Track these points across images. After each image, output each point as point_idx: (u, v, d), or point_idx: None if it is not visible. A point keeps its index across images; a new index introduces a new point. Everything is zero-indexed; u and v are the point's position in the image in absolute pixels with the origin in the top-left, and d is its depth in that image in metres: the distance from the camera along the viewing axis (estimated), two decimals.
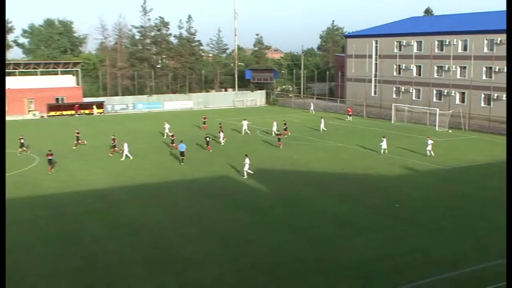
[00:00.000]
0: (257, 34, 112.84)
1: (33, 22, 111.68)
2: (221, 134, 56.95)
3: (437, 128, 66.33)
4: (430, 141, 49.92)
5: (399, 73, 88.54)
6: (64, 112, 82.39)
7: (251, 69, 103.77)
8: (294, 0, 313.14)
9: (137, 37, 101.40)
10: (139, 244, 27.47)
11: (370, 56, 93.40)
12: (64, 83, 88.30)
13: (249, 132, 63.01)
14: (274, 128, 62.13)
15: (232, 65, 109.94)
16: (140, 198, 35.96)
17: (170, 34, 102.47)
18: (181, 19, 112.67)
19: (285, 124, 63.56)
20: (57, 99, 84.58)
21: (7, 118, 78.87)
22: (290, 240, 27.98)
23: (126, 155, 48.70)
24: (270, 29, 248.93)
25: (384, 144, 50.02)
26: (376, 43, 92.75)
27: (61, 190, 38.01)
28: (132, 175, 42.56)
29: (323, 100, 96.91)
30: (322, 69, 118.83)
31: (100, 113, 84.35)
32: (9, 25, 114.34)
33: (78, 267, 24.47)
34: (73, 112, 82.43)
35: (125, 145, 49.09)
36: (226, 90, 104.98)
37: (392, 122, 73.06)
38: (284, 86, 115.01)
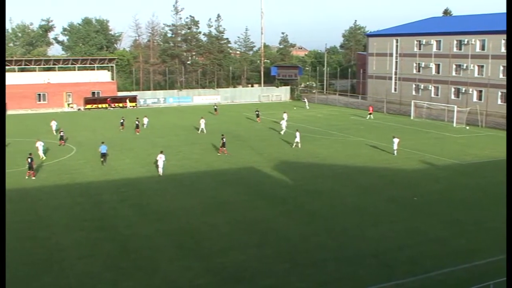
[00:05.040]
0: (282, 33, 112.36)
1: (72, 21, 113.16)
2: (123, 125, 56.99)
3: (454, 125, 65.42)
4: (396, 140, 47.10)
5: (419, 71, 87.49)
6: (100, 105, 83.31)
7: (276, 66, 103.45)
8: (318, 1, 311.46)
9: (169, 35, 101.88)
10: (168, 230, 27.69)
11: (391, 55, 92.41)
12: (100, 78, 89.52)
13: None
14: (203, 126, 58.00)
15: (258, 62, 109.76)
16: (169, 187, 36.19)
17: (200, 32, 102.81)
18: (211, 18, 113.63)
19: (202, 118, 59.55)
20: (93, 93, 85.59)
21: (48, 110, 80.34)
22: (312, 229, 27.91)
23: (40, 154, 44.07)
24: (295, 28, 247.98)
25: (395, 145, 47.11)
26: (397, 42, 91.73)
27: (96, 179, 38.45)
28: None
29: (345, 96, 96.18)
30: (345, 67, 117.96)
31: (133, 106, 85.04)
32: (50, 23, 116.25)
33: (112, 251, 24.78)
34: (107, 105, 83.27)
35: (39, 143, 44.72)
36: (252, 86, 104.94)
37: (412, 118, 72.21)
38: (308, 82, 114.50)
